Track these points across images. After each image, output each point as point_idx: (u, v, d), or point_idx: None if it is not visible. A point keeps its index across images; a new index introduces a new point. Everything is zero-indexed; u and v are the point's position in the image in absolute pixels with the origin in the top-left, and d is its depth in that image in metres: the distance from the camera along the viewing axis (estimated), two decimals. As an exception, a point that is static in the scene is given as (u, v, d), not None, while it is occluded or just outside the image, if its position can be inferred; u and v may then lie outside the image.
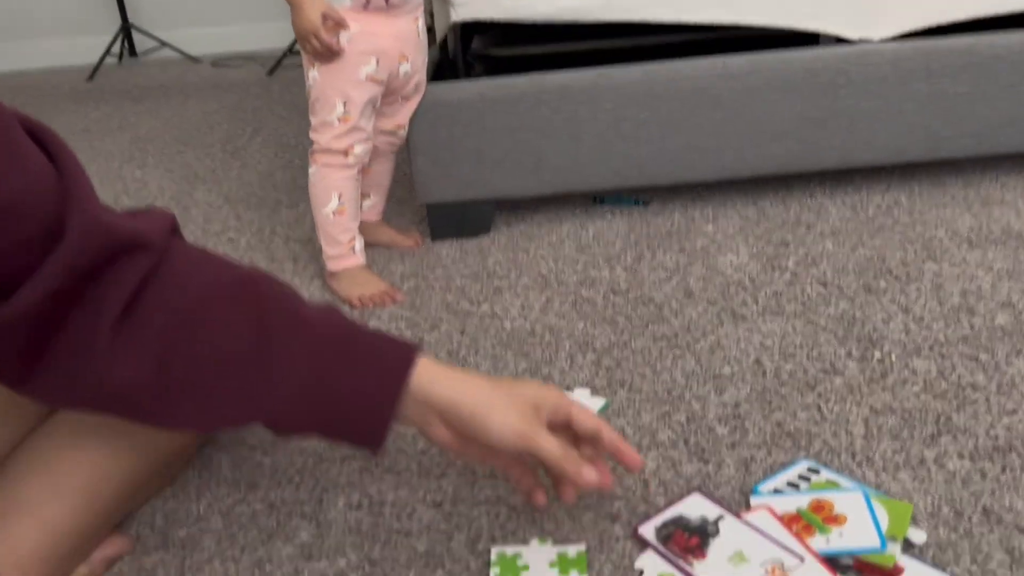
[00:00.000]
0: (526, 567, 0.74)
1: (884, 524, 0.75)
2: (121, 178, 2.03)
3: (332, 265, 1.36)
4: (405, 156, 1.69)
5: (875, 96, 1.46)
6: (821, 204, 1.53)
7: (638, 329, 1.15)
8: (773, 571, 0.71)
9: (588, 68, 1.45)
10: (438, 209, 1.54)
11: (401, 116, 1.44)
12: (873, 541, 0.73)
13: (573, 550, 0.76)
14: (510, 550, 0.76)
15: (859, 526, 0.75)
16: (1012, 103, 1.47)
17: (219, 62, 3.43)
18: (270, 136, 2.29)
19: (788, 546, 0.73)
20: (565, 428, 0.74)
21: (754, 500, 0.80)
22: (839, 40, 1.46)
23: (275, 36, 3.60)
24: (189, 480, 0.90)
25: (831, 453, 0.87)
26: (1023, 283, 1.18)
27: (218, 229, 1.66)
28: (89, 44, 3.57)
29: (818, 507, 0.77)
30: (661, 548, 0.75)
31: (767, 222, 1.47)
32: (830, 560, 0.72)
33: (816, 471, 0.84)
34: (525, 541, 0.78)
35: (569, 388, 1.02)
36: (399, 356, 0.70)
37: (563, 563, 0.74)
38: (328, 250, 1.36)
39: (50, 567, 0.70)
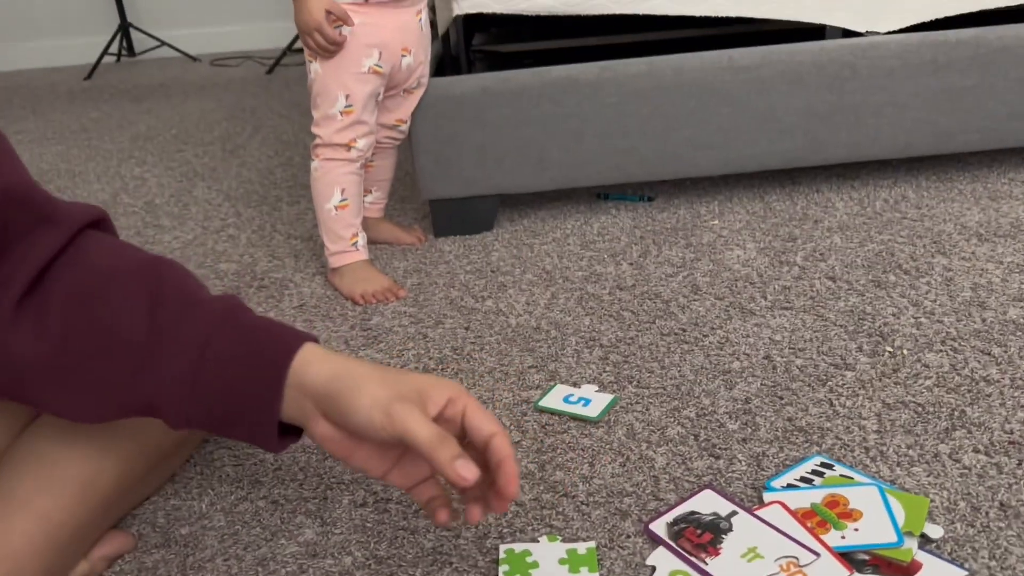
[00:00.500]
0: (536, 564, 0.73)
1: (900, 519, 0.74)
2: (120, 176, 2.01)
3: (334, 261, 1.35)
4: (407, 152, 1.68)
5: (882, 90, 1.44)
6: (828, 199, 1.51)
7: (645, 324, 1.14)
8: (788, 567, 0.69)
9: (592, 62, 1.43)
10: (441, 205, 1.52)
11: (403, 110, 1.43)
12: (890, 536, 0.71)
13: (583, 547, 0.74)
14: (519, 547, 0.75)
15: (875, 521, 0.73)
16: (1020, 96, 1.46)
17: (218, 61, 3.41)
18: (269, 134, 2.28)
19: (803, 542, 0.72)
20: (462, 430, 0.65)
21: (767, 496, 0.79)
22: (846, 33, 1.45)
23: (274, 35, 3.58)
24: (191, 477, 0.89)
25: (844, 448, 0.85)
26: (1034, 277, 1.17)
27: (218, 226, 1.64)
28: (88, 43, 3.56)
29: (833, 502, 0.76)
30: (673, 544, 0.73)
31: (774, 217, 1.46)
32: (846, 556, 0.71)
33: (830, 466, 0.83)
34: (534, 538, 0.77)
35: (576, 384, 1.01)
36: (285, 343, 0.64)
37: (573, 560, 0.73)
38: (330, 246, 1.35)
39: (45, 560, 0.69)
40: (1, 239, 0.63)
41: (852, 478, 0.80)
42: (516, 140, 1.47)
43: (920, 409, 0.91)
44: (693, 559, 0.71)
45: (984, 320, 1.07)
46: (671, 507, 0.78)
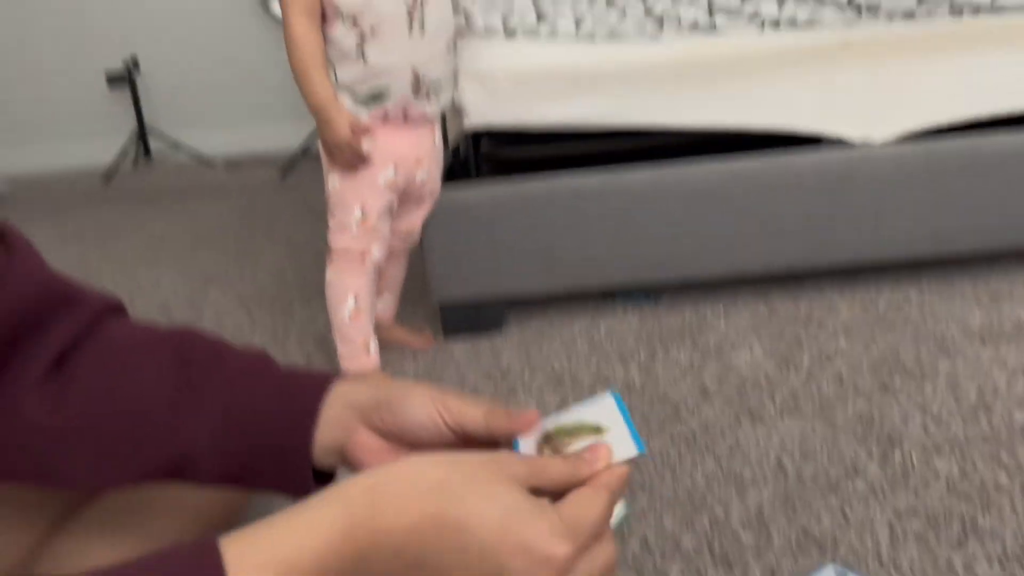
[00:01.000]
0: None
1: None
2: (135, 280, 2.05)
3: (347, 366, 1.37)
4: (418, 256, 1.72)
5: (880, 195, 1.49)
6: (832, 300, 1.54)
7: (656, 430, 1.15)
8: None
9: (596, 170, 1.49)
10: (451, 308, 1.55)
11: (415, 219, 1.47)
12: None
13: None
14: None
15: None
16: (1014, 201, 1.50)
17: (232, 164, 3.51)
18: (283, 237, 2.33)
19: None
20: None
21: (784, 610, 0.78)
22: (842, 141, 1.51)
23: (287, 136, 3.70)
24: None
25: (857, 558, 0.85)
26: (1039, 380, 1.19)
27: (232, 331, 1.67)
28: (105, 146, 3.67)
29: None
30: None
31: (779, 319, 1.48)
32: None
33: (845, 578, 0.82)
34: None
35: (588, 492, 1.01)
36: (319, 377, 0.65)
37: None
38: (343, 351, 1.37)
39: None
40: (25, 323, 0.64)
41: (868, 591, 0.80)
42: (525, 245, 1.51)
43: (932, 518, 0.91)
44: None
45: (991, 425, 1.08)
46: (687, 622, 0.78)
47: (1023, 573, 0.81)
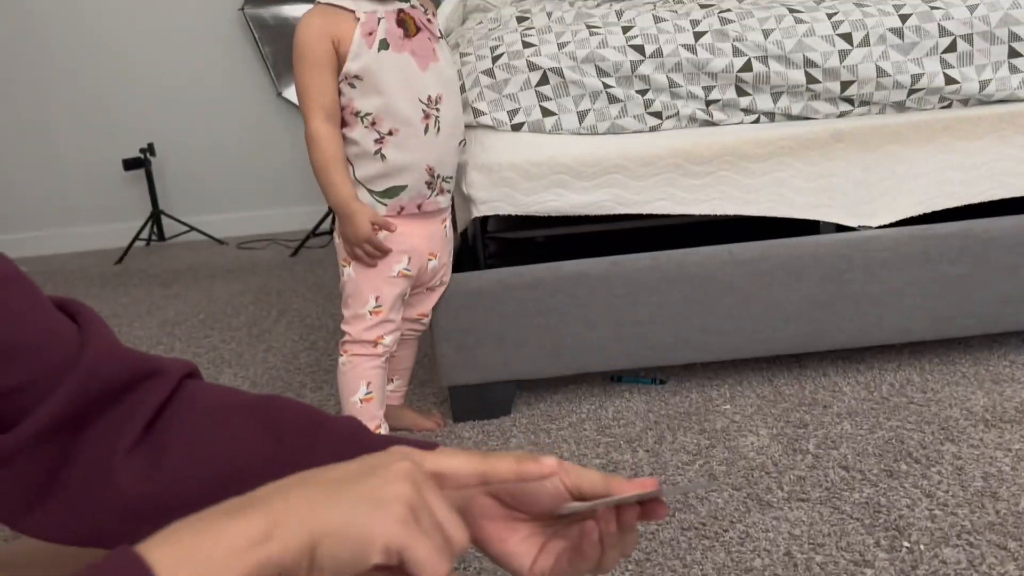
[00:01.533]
0: None
1: None
2: (150, 363, 2.08)
3: (358, 453, 1.38)
4: (427, 339, 1.75)
5: (878, 280, 1.53)
6: (835, 383, 1.56)
7: (665, 518, 1.16)
8: None
9: (601, 257, 1.53)
10: (460, 391, 1.58)
11: (426, 305, 1.51)
12: None
13: None
14: None
15: None
16: (1011, 284, 1.54)
17: (244, 244, 3.58)
18: (295, 318, 2.37)
19: None
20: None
21: None
22: (839, 226, 1.55)
23: (298, 219, 3.78)
24: None
25: (870, 652, 0.86)
26: (1043, 464, 1.20)
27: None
28: (120, 229, 3.75)
29: None
30: None
31: (784, 402, 1.50)
32: None
33: (856, 673, 0.83)
34: None
35: (599, 582, 1.02)
36: (423, 443, 0.66)
37: None
38: (355, 438, 1.39)
39: None
40: (107, 396, 0.65)
41: None
42: (532, 329, 1.54)
43: (942, 609, 0.91)
44: None
45: (998, 512, 1.09)
46: None
47: (1034, 666, 0.82)
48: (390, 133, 1.30)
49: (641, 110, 1.51)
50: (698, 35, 1.48)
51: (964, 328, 1.56)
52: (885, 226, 1.54)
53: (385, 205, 1.34)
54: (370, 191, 1.34)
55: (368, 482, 0.51)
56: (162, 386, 0.67)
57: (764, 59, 1.47)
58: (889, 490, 1.17)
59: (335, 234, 1.40)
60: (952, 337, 1.58)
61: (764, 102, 1.51)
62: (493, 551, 0.72)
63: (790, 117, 1.52)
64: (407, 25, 1.31)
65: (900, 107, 1.52)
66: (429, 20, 1.35)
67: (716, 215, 1.53)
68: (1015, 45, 1.48)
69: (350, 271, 1.37)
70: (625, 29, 1.50)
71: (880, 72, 1.47)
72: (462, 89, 1.51)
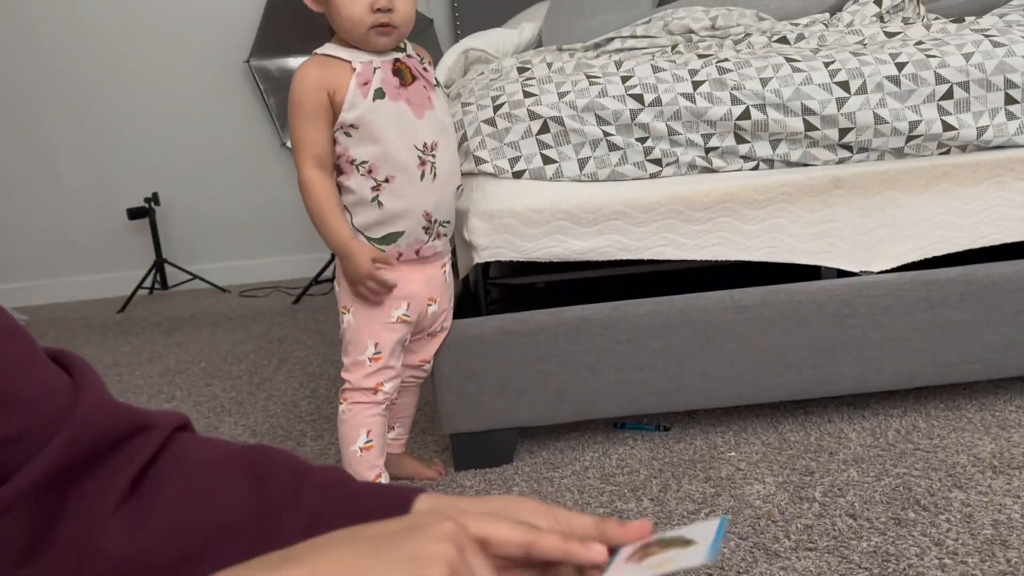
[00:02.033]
0: None
1: None
2: (150, 412, 2.07)
3: (358, 502, 1.37)
4: (428, 386, 1.74)
5: (881, 325, 1.52)
6: (840, 429, 1.55)
7: (669, 567, 1.14)
8: None
9: (602, 303, 1.53)
10: (462, 439, 1.56)
11: (427, 351, 1.51)
12: None
13: None
14: None
15: None
16: (1014, 329, 1.53)
17: (246, 292, 3.59)
18: (296, 366, 2.36)
19: None
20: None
21: None
22: (840, 272, 1.55)
23: (300, 267, 3.79)
24: None
25: None
26: (1054, 511, 1.18)
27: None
28: (123, 278, 3.76)
29: None
30: None
31: (789, 449, 1.49)
32: None
33: None
34: None
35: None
36: (402, 496, 0.65)
37: None
38: (355, 487, 1.37)
39: None
40: (96, 452, 0.65)
41: None
42: (534, 375, 1.53)
43: (955, 661, 0.89)
44: None
45: (1008, 560, 1.07)
46: None
47: None
48: (386, 180, 1.31)
49: (641, 157, 1.52)
50: (696, 84, 1.50)
51: (968, 373, 1.55)
52: (886, 271, 1.54)
53: (383, 251, 1.35)
54: (368, 238, 1.34)
55: (410, 541, 0.51)
56: (152, 440, 0.67)
57: (762, 107, 1.49)
58: (898, 539, 1.15)
59: (336, 281, 1.41)
60: (957, 383, 1.57)
61: (763, 149, 1.52)
62: None
63: (789, 164, 1.54)
64: (403, 74, 1.32)
65: (899, 153, 1.53)
66: (425, 69, 1.37)
67: (717, 260, 1.53)
68: (1011, 92, 1.49)
69: (349, 318, 1.37)
70: (624, 79, 1.52)
71: (878, 119, 1.49)
72: (464, 138, 1.52)
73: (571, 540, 0.61)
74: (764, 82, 1.49)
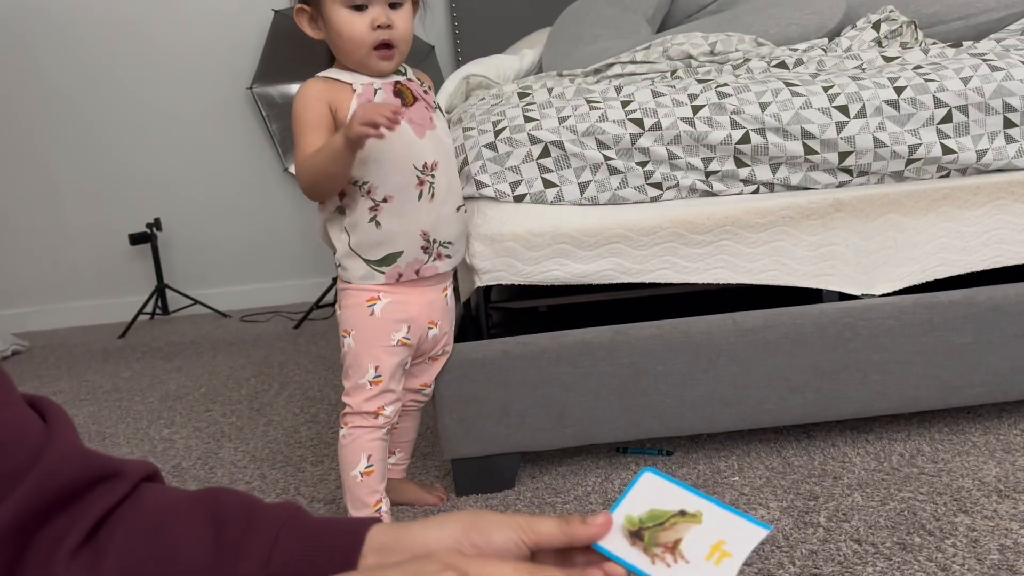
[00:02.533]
0: None
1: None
2: (149, 438, 2.06)
3: (359, 528, 1.36)
4: (429, 411, 1.73)
5: (883, 348, 1.51)
6: (844, 453, 1.54)
7: None
8: None
9: (604, 326, 1.52)
10: (463, 464, 1.55)
11: (428, 375, 1.50)
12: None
13: None
14: None
15: None
16: (1017, 352, 1.52)
17: (247, 317, 3.58)
18: (296, 391, 2.35)
19: None
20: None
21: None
22: (842, 295, 1.55)
23: (302, 292, 3.79)
24: None
25: None
26: (1061, 536, 1.17)
27: (243, 490, 1.66)
28: (125, 303, 3.76)
29: None
30: None
31: (793, 473, 1.48)
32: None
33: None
34: None
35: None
36: (356, 525, 0.66)
37: None
38: (354, 513, 1.36)
39: None
40: (61, 498, 0.65)
41: None
42: (536, 399, 1.53)
43: None
44: None
45: (1017, 586, 1.06)
46: None
47: None
48: (385, 200, 1.31)
49: (641, 181, 1.52)
50: (696, 109, 1.51)
51: (972, 397, 1.54)
52: (888, 294, 1.54)
53: (383, 273, 1.34)
54: (366, 260, 1.34)
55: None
56: (118, 488, 0.67)
57: (762, 131, 1.49)
58: (903, 564, 1.14)
59: (336, 305, 1.40)
60: (961, 406, 1.56)
61: (763, 173, 1.52)
62: None
63: (789, 187, 1.54)
64: (404, 95, 1.33)
65: (899, 177, 1.54)
66: (426, 92, 1.38)
67: (719, 284, 1.53)
68: (1009, 115, 1.50)
69: (350, 341, 1.37)
70: (624, 103, 1.53)
71: (877, 143, 1.49)
72: (465, 162, 1.53)
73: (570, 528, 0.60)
74: (763, 106, 1.50)
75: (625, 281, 1.54)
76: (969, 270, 1.54)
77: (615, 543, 0.57)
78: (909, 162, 1.51)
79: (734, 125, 1.50)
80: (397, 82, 1.34)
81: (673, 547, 0.55)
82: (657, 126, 1.50)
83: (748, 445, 1.62)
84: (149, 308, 3.68)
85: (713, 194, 1.54)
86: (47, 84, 3.68)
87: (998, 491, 1.32)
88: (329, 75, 1.33)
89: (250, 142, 3.75)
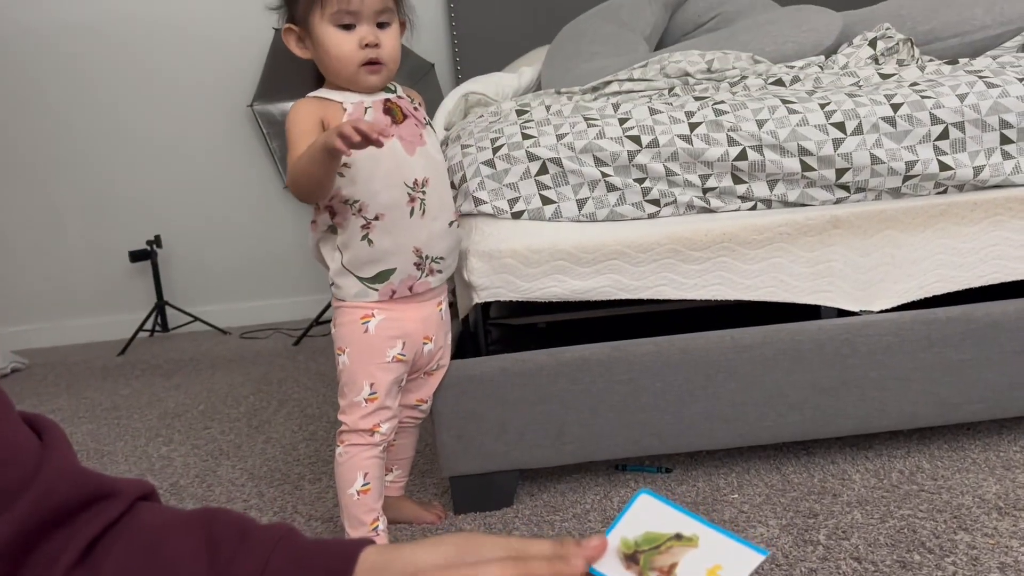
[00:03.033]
0: None
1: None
2: (147, 456, 2.06)
3: (355, 547, 1.35)
4: (426, 427, 1.72)
5: (882, 365, 1.51)
6: (844, 471, 1.53)
7: None
8: None
9: (602, 343, 1.52)
10: (461, 481, 1.54)
11: (425, 391, 1.50)
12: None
13: None
14: None
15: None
16: (1016, 368, 1.52)
17: (247, 333, 3.58)
18: (295, 408, 2.35)
19: None
20: None
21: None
22: (840, 311, 1.55)
23: (302, 308, 3.79)
24: None
25: None
26: (1062, 553, 1.16)
27: (240, 509, 1.66)
28: (124, 320, 3.76)
29: None
30: None
31: (793, 491, 1.47)
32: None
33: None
34: None
35: None
36: (349, 546, 0.66)
37: None
38: (351, 532, 1.36)
39: None
40: (57, 517, 0.65)
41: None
42: (534, 416, 1.52)
43: None
44: None
45: (1017, 604, 1.05)
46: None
47: None
48: (376, 218, 1.31)
49: (639, 198, 1.53)
50: (693, 126, 1.51)
51: (972, 413, 1.54)
52: (886, 311, 1.53)
53: (376, 290, 1.34)
54: (359, 278, 1.34)
55: None
56: (113, 508, 0.67)
57: (759, 148, 1.50)
58: (903, 582, 1.13)
59: (333, 323, 1.40)
60: (960, 423, 1.56)
61: (760, 189, 1.53)
62: None
63: (787, 204, 1.54)
64: (394, 113, 1.34)
65: (896, 193, 1.54)
66: (416, 109, 1.39)
67: (717, 299, 1.53)
68: (1006, 132, 1.50)
69: (345, 358, 1.36)
70: (622, 121, 1.54)
71: (874, 159, 1.50)
72: (463, 179, 1.53)
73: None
74: (760, 123, 1.50)
75: (623, 298, 1.53)
76: (967, 286, 1.54)
77: (610, 566, 0.57)
78: (906, 178, 1.52)
79: (731, 142, 1.50)
80: (387, 100, 1.35)
81: (668, 571, 0.55)
82: (654, 143, 1.51)
83: (747, 462, 1.61)
84: (149, 325, 3.68)
85: (711, 211, 1.54)
86: (49, 102, 3.70)
87: (998, 508, 1.32)
88: (319, 94, 1.34)
89: (250, 159, 3.76)
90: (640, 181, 1.52)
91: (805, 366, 1.51)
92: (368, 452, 1.36)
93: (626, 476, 1.62)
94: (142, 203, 3.77)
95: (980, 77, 1.54)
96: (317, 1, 1.27)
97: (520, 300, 1.54)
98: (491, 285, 1.52)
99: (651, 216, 1.54)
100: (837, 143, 1.49)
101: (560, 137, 1.53)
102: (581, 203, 1.53)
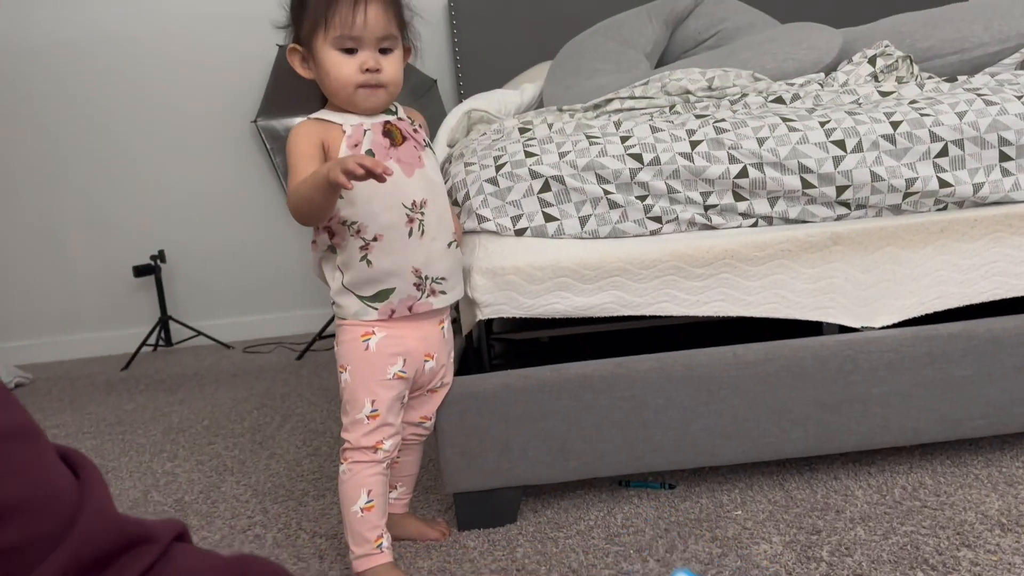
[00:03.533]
0: None
1: None
2: (152, 472, 2.06)
3: (358, 565, 1.35)
4: (430, 443, 1.73)
5: (884, 381, 1.52)
6: (847, 487, 1.53)
7: (675, 630, 1.12)
8: None
9: (605, 359, 1.53)
10: (465, 498, 1.55)
11: (428, 408, 1.50)
12: None
13: None
14: None
15: None
16: (1018, 384, 1.52)
17: (250, 348, 3.59)
18: (298, 423, 2.35)
19: None
20: None
21: None
22: (842, 327, 1.55)
23: (305, 323, 3.80)
24: None
25: None
26: (1065, 570, 1.16)
27: (244, 525, 1.66)
28: (128, 335, 3.78)
29: None
30: None
31: (796, 507, 1.47)
32: None
33: None
34: None
35: None
36: None
37: None
38: (355, 549, 1.36)
39: None
40: (97, 563, 0.66)
41: None
42: (538, 433, 1.53)
43: None
44: None
45: (1021, 622, 1.05)
46: None
47: None
48: (375, 239, 1.32)
49: (641, 215, 1.54)
50: (694, 144, 1.53)
51: (974, 429, 1.54)
52: (888, 327, 1.54)
53: (376, 309, 1.35)
54: (359, 297, 1.35)
55: None
56: (148, 554, 0.68)
57: (759, 166, 1.51)
58: (907, 600, 1.13)
59: (335, 342, 1.41)
60: (962, 439, 1.56)
61: (761, 206, 1.54)
62: None
63: (788, 221, 1.55)
64: (393, 135, 1.35)
65: (896, 210, 1.55)
66: (415, 131, 1.40)
67: (720, 316, 1.54)
68: (1005, 149, 1.52)
69: (347, 376, 1.37)
70: (623, 139, 1.55)
71: (874, 177, 1.51)
72: (466, 196, 1.54)
73: None
74: (761, 141, 1.51)
75: (626, 314, 1.54)
76: (968, 303, 1.54)
77: None
78: (906, 195, 1.53)
79: (732, 160, 1.51)
80: (387, 122, 1.36)
81: None
82: (656, 161, 1.52)
83: (751, 478, 1.62)
84: (152, 340, 3.69)
85: (712, 227, 1.55)
86: (52, 116, 3.72)
87: (1001, 524, 1.32)
88: (320, 116, 1.35)
89: (254, 175, 3.78)
90: (642, 198, 1.53)
91: (807, 382, 1.52)
92: (372, 469, 1.37)
93: (629, 492, 1.62)
94: (146, 218, 3.79)
95: (979, 95, 1.55)
96: (321, 24, 1.29)
97: (523, 317, 1.55)
98: (494, 302, 1.53)
99: (653, 233, 1.55)
100: (837, 160, 1.50)
101: (562, 155, 1.54)
102: (583, 220, 1.54)
